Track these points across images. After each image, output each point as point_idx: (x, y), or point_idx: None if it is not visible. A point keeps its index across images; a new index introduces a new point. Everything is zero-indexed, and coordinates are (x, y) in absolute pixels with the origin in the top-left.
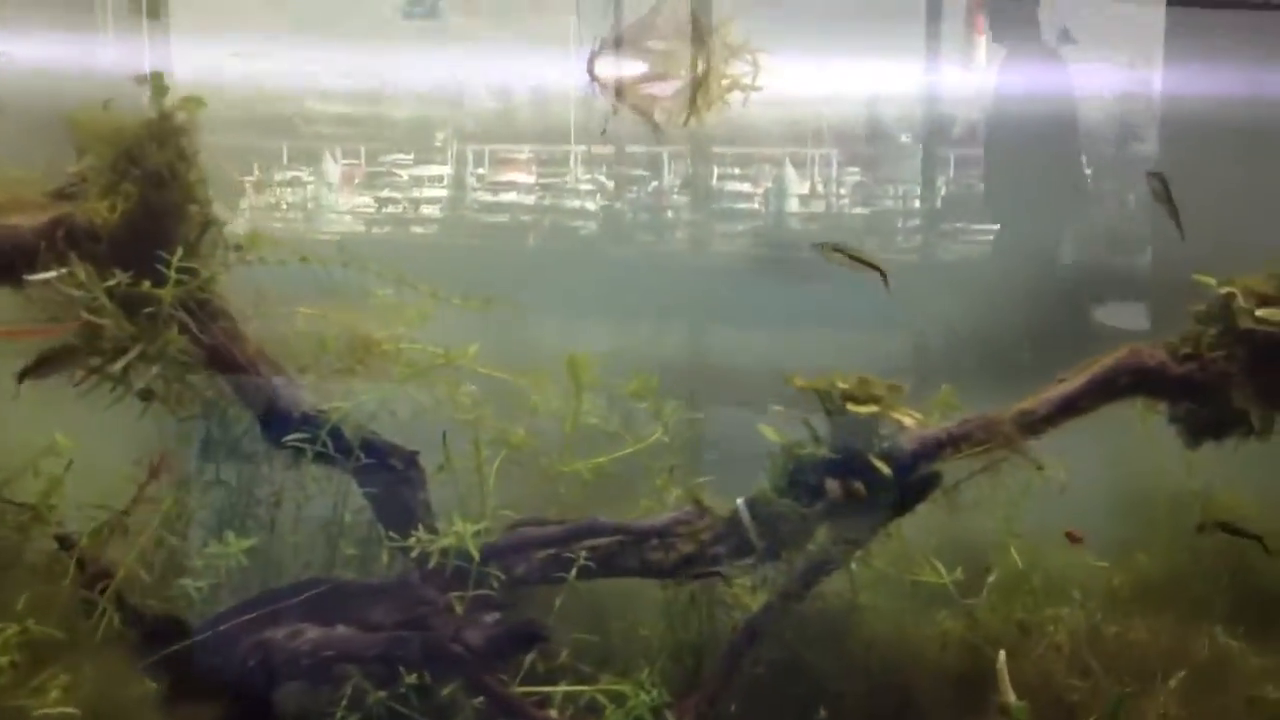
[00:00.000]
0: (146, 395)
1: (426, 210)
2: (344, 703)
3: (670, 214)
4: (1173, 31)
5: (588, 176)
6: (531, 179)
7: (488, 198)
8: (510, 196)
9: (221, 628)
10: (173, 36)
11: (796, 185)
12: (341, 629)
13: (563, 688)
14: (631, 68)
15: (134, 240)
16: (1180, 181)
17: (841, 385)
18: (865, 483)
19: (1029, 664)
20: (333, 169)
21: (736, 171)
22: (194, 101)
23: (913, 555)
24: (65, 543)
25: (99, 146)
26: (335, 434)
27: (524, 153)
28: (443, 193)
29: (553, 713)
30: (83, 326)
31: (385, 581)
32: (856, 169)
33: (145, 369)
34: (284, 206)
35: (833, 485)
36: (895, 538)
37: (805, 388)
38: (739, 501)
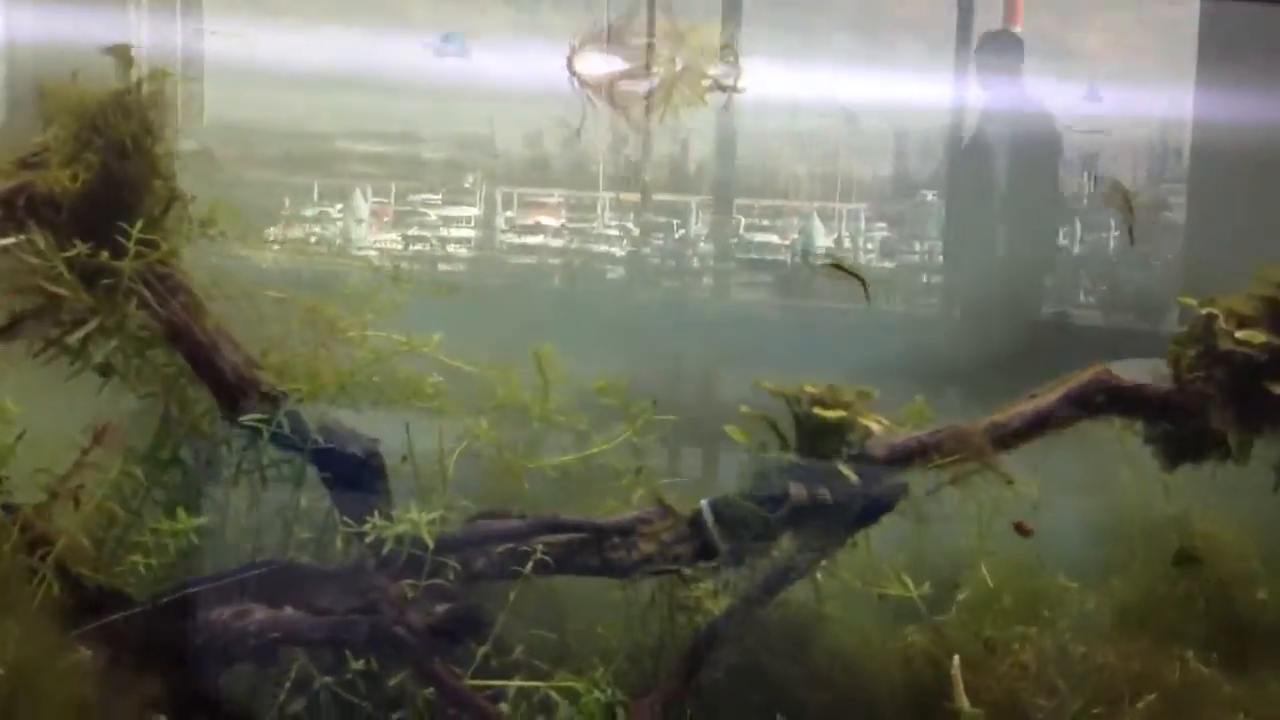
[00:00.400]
0: (105, 370)
1: (453, 249)
2: (288, 686)
3: (695, 261)
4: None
5: (615, 222)
6: (558, 223)
7: (515, 240)
8: (537, 239)
9: (167, 604)
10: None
11: (823, 237)
12: (290, 611)
13: (516, 683)
14: (610, 65)
15: (95, 211)
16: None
17: (810, 390)
18: (831, 489)
19: (994, 681)
20: (362, 206)
21: (764, 223)
22: (161, 74)
23: (880, 568)
24: (8, 509)
25: (64, 116)
26: (294, 417)
27: (553, 197)
28: (471, 233)
29: (504, 707)
30: (41, 296)
31: (337, 567)
32: (884, 224)
33: (104, 342)
34: (312, 240)
35: (797, 489)
36: (862, 548)
37: (774, 392)
38: (702, 503)
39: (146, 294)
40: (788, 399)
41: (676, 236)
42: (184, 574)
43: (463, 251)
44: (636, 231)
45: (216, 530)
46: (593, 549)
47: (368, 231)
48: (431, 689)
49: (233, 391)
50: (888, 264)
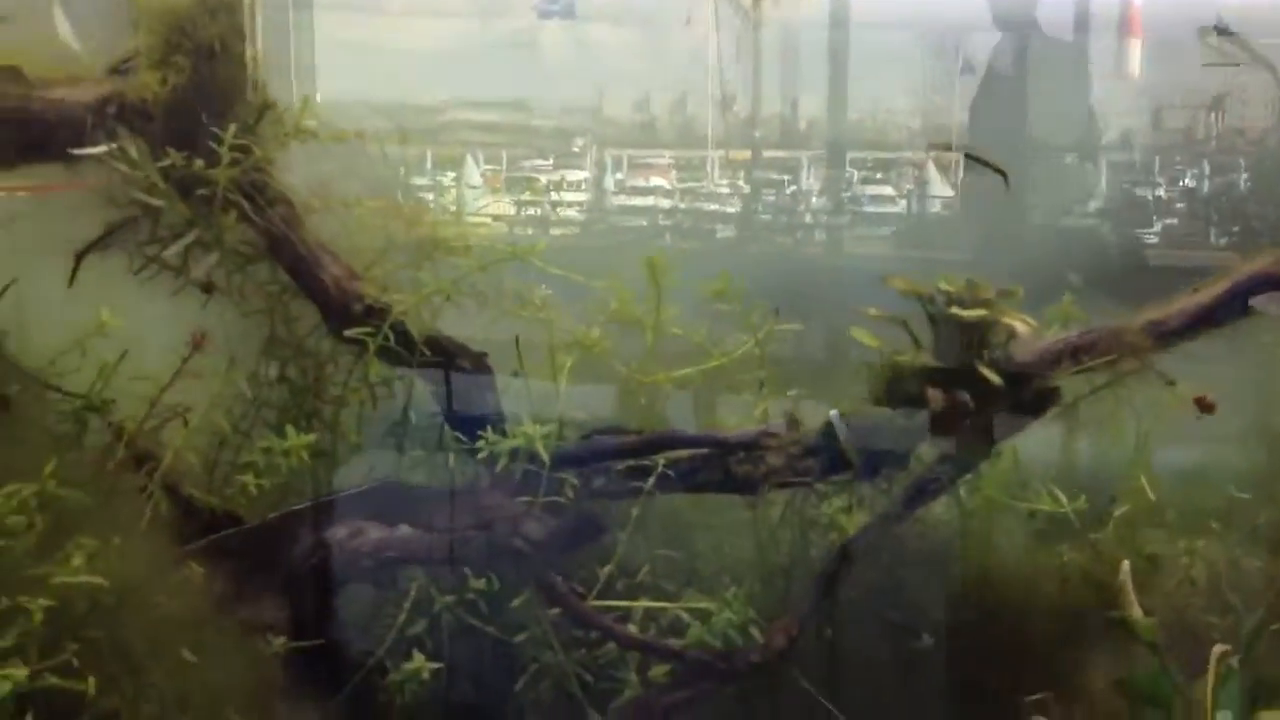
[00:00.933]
0: (207, 287)
1: (563, 212)
2: (408, 606)
3: (808, 217)
4: None
5: (725, 181)
6: (669, 184)
7: (625, 201)
8: (648, 200)
9: (280, 524)
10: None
11: (940, 188)
12: (404, 529)
13: (644, 603)
14: None
15: (187, 118)
16: None
17: (946, 287)
18: (973, 395)
19: (1160, 599)
20: (474, 172)
21: (878, 175)
22: None
23: (1028, 481)
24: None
25: (152, 21)
26: (400, 330)
27: (663, 158)
28: (581, 196)
29: (632, 628)
30: (136, 207)
31: (450, 486)
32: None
33: (204, 256)
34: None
35: (935, 395)
36: (1008, 459)
37: (905, 291)
38: (832, 414)
39: (245, 205)
40: (922, 299)
41: (788, 192)
42: (295, 494)
43: (573, 214)
44: (747, 189)
45: (327, 449)
46: (716, 464)
47: (480, 197)
48: (557, 610)
49: (336, 305)
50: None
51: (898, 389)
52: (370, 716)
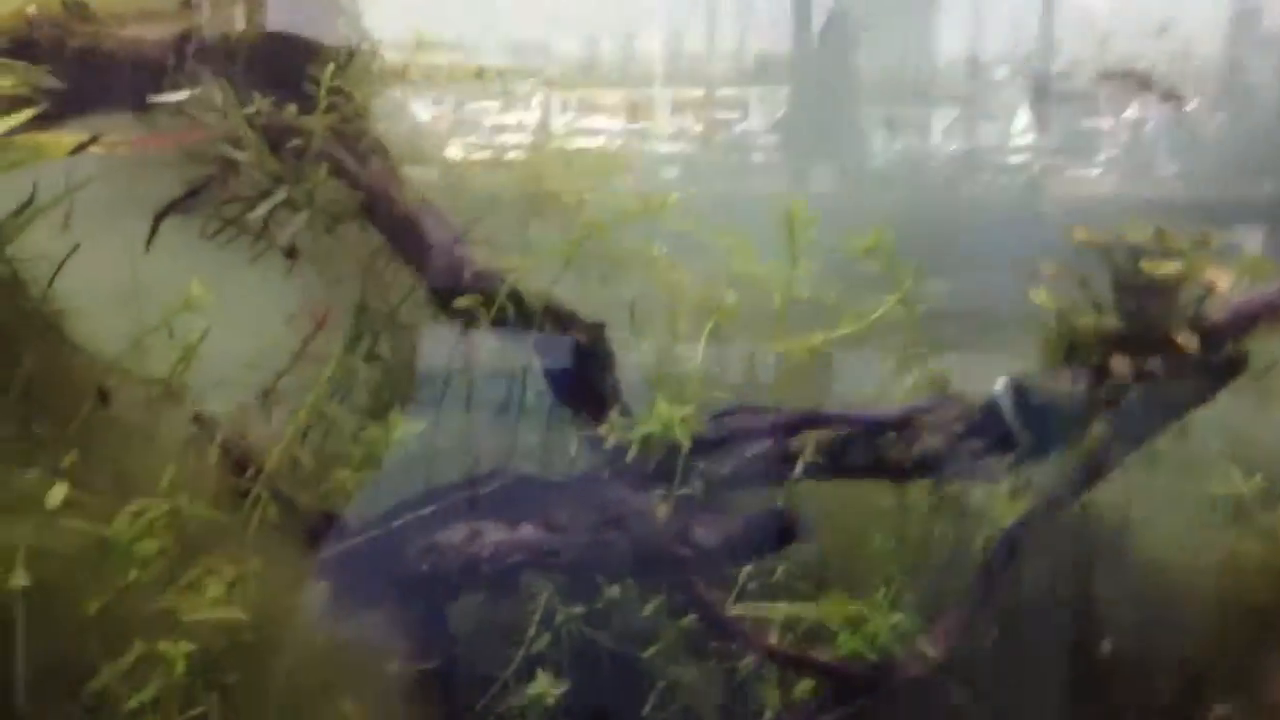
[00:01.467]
0: (292, 251)
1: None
2: (537, 619)
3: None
4: None
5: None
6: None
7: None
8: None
9: (388, 527)
10: None
11: None
12: (529, 529)
13: (798, 607)
14: None
15: (273, 60)
16: None
17: (1132, 238)
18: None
19: None
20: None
21: None
22: None
23: (1204, 459)
24: (202, 422)
25: None
26: (513, 299)
27: (611, 98)
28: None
29: (772, 638)
30: (220, 162)
31: (570, 478)
32: None
33: (290, 217)
34: None
35: (1121, 364)
36: (1179, 435)
37: (1085, 242)
38: (998, 384)
39: (341, 157)
40: (1104, 250)
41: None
42: (395, 490)
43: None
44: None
45: (428, 437)
46: (863, 446)
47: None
48: (692, 616)
49: (440, 271)
50: None
51: (1077, 355)
52: None
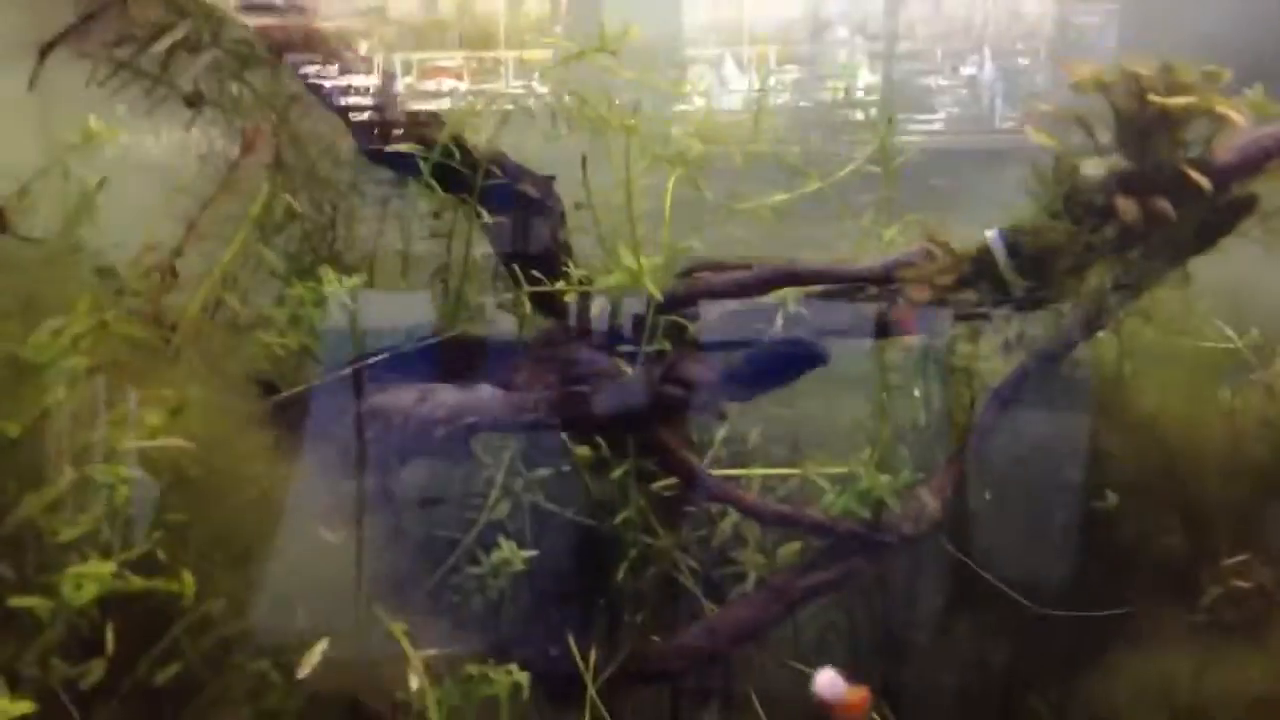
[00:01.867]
0: (194, 100)
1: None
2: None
3: None
4: None
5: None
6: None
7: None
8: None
9: (329, 390)
10: None
11: None
12: (486, 389)
13: (780, 470)
14: None
15: None
16: None
17: (1135, 72)
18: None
19: None
20: None
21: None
22: None
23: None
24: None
25: None
26: (459, 147)
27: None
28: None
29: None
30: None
31: (521, 337)
32: None
33: (190, 61)
34: None
35: (1127, 205)
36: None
37: (1083, 83)
38: (989, 233)
39: None
40: (1105, 87)
41: None
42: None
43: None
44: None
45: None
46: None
47: None
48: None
49: (369, 118)
50: None
51: (1078, 199)
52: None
